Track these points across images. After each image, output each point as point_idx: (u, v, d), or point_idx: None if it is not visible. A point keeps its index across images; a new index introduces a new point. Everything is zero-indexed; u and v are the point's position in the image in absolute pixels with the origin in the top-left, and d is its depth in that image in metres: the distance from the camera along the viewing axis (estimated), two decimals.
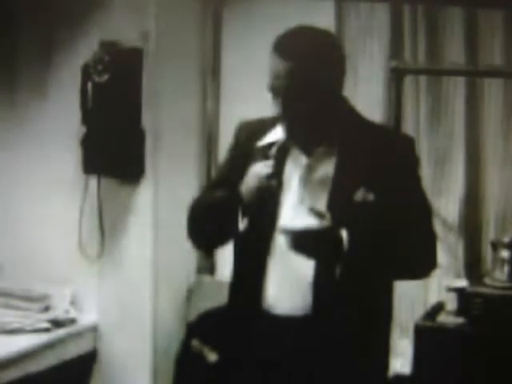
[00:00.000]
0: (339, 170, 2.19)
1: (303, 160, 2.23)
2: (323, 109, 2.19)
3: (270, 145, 2.26)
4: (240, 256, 2.31)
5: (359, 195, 2.16)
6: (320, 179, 2.21)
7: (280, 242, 2.17)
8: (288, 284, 2.19)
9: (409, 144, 2.29)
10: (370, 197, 2.16)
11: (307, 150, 2.23)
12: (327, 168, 2.21)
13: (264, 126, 2.29)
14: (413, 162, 2.29)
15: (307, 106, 2.15)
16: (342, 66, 2.22)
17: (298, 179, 2.22)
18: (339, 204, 2.16)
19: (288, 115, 2.17)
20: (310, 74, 2.13)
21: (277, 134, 2.25)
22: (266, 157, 2.23)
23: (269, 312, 2.21)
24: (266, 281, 2.21)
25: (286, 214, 2.21)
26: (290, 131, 2.19)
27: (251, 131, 2.33)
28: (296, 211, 2.19)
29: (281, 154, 2.23)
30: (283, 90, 2.13)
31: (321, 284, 2.15)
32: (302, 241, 2.07)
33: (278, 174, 2.18)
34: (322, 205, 2.17)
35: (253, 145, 2.28)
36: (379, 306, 2.25)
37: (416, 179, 2.27)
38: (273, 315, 2.20)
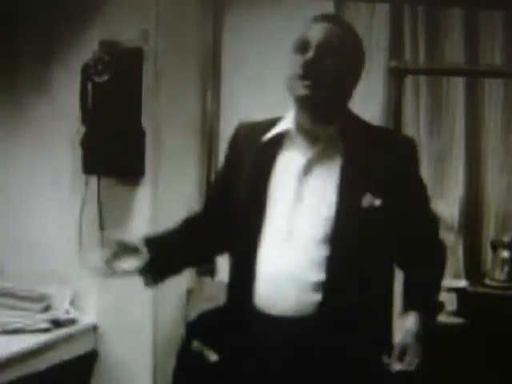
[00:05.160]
0: (342, 172, 2.18)
1: (302, 157, 2.23)
2: (339, 89, 2.21)
3: (271, 140, 2.27)
4: (231, 256, 2.33)
5: (366, 201, 2.16)
6: (318, 177, 2.21)
7: (271, 239, 2.19)
8: (282, 284, 2.18)
9: (411, 146, 2.29)
10: (377, 202, 2.16)
11: (309, 143, 2.23)
12: (325, 166, 2.21)
13: (263, 127, 2.30)
14: (415, 164, 2.29)
15: (332, 70, 2.16)
16: (363, 60, 2.27)
17: (296, 176, 2.21)
18: (346, 210, 2.16)
19: (313, 72, 2.15)
20: (345, 41, 2.19)
21: (277, 129, 2.26)
22: (267, 152, 2.24)
23: (265, 312, 2.20)
24: (258, 281, 2.20)
25: (282, 212, 2.20)
26: (307, 98, 2.17)
27: (250, 131, 2.34)
28: (293, 209, 2.19)
29: (276, 147, 2.24)
30: (319, 43, 2.15)
31: (320, 284, 2.14)
32: None
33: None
34: (319, 202, 2.17)
35: (251, 145, 2.29)
36: (380, 305, 2.24)
37: (419, 183, 2.28)
38: (269, 315, 2.19)
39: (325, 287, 2.14)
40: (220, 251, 2.46)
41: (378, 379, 2.22)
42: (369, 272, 2.16)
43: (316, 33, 2.17)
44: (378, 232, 2.16)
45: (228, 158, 2.40)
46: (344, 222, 2.15)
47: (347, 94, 2.26)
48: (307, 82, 2.15)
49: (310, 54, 2.16)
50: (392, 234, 2.18)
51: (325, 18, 2.25)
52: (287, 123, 2.26)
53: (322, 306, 2.14)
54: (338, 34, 2.18)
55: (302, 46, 2.17)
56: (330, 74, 2.16)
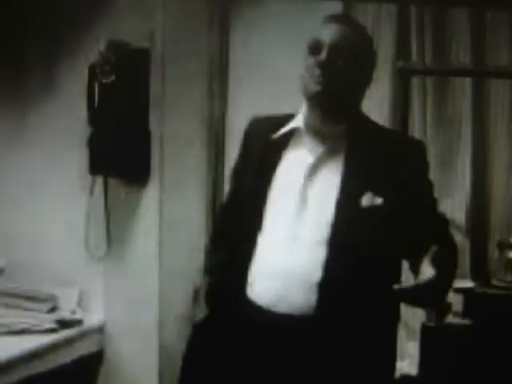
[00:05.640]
0: (347, 173, 2.19)
1: (309, 156, 2.23)
2: (351, 90, 2.23)
3: (280, 139, 2.27)
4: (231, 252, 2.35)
5: (367, 200, 2.16)
6: (324, 176, 2.21)
7: (275, 239, 2.20)
8: (285, 283, 2.18)
9: (420, 148, 2.29)
10: (378, 201, 2.16)
11: (317, 142, 2.23)
12: (332, 166, 2.21)
13: (275, 122, 2.31)
14: (424, 167, 2.28)
15: (345, 70, 2.17)
16: (374, 60, 2.28)
17: (302, 175, 2.21)
18: (347, 209, 2.16)
19: (326, 72, 2.16)
20: (357, 42, 2.20)
21: (286, 128, 2.27)
22: (275, 150, 2.25)
23: (267, 311, 2.20)
24: (262, 280, 2.21)
25: (286, 213, 2.20)
26: (319, 94, 2.18)
27: (262, 126, 2.34)
28: (297, 210, 2.19)
29: (284, 146, 2.25)
30: (331, 44, 2.16)
31: (326, 284, 2.15)
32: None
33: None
34: (323, 202, 2.17)
35: (262, 140, 2.30)
36: (385, 306, 2.23)
37: (429, 184, 2.28)
38: (271, 315, 2.19)
39: (327, 287, 2.14)
40: None
41: (379, 379, 2.23)
42: (372, 273, 2.15)
43: (328, 34, 2.19)
44: (386, 232, 2.16)
45: (241, 152, 2.40)
46: (348, 223, 2.15)
47: (359, 95, 2.27)
48: (320, 81, 2.17)
49: (323, 55, 2.17)
50: (403, 234, 2.17)
51: (337, 18, 2.27)
52: (297, 122, 2.27)
53: (323, 305, 2.14)
54: (350, 34, 2.20)
55: (315, 47, 2.19)
56: (343, 74, 2.18)
